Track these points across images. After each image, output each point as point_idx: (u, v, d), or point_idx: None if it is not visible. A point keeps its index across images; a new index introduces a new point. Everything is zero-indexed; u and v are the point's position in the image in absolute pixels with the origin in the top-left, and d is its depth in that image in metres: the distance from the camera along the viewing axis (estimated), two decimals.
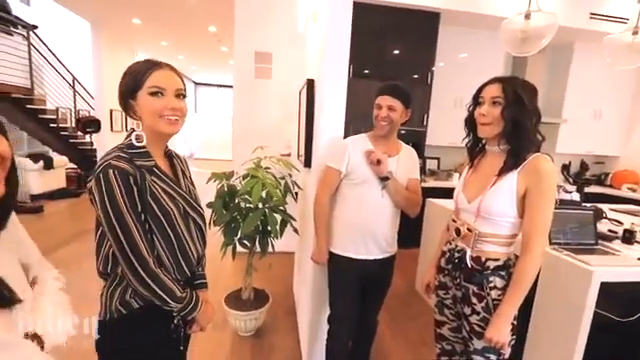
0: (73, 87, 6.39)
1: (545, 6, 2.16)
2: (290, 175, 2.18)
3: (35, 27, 5.60)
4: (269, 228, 1.89)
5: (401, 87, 1.41)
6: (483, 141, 1.20)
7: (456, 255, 1.19)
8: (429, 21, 3.46)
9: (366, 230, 1.42)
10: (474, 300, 1.13)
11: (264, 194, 1.90)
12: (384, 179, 1.38)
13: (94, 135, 6.22)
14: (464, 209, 1.18)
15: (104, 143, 6.43)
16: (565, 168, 2.35)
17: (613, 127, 4.28)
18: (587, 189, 3.77)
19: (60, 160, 5.77)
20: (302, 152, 1.97)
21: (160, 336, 0.93)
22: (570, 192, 1.89)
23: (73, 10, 5.53)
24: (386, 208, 1.43)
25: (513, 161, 1.05)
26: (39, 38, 5.64)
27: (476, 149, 1.23)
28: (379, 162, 1.35)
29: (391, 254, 1.51)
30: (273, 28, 3.32)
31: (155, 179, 0.88)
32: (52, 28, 6.42)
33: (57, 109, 6.11)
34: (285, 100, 3.35)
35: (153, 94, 0.85)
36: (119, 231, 0.80)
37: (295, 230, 2.05)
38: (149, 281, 0.83)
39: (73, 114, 6.44)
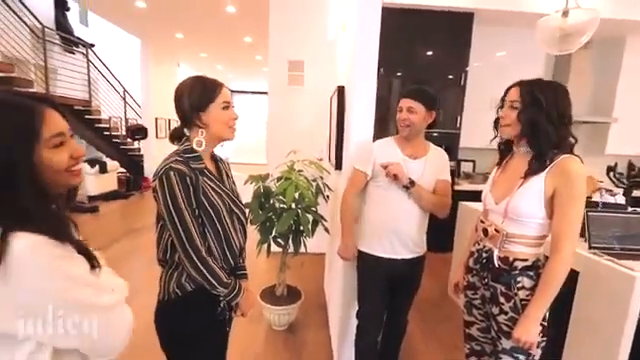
0: (124, 98, 6.99)
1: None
2: (321, 177, 2.26)
3: (92, 45, 6.22)
4: (302, 228, 1.99)
5: (423, 90, 1.45)
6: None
7: (484, 255, 1.21)
8: (463, 21, 3.42)
9: (392, 230, 1.46)
10: (502, 300, 1.13)
11: (297, 195, 2.00)
12: (406, 187, 1.42)
13: (142, 141, 6.75)
14: (492, 210, 1.20)
15: (150, 149, 6.96)
16: (610, 170, 2.22)
17: None
18: None
19: (112, 165, 6.33)
20: (333, 155, 2.06)
21: (209, 317, 1.05)
22: (615, 195, 1.79)
23: (125, 28, 6.08)
24: (412, 210, 1.46)
25: (537, 163, 1.06)
26: (95, 55, 6.26)
27: (505, 149, 1.24)
28: (395, 177, 1.39)
29: (419, 254, 1.53)
30: (305, 37, 3.46)
31: (206, 179, 1.02)
32: (105, 45, 7.08)
33: (110, 118, 6.72)
34: (316, 106, 3.46)
35: (225, 108, 1.03)
36: (178, 224, 0.94)
37: (326, 229, 2.13)
38: (201, 267, 0.96)
39: (123, 122, 7.05)
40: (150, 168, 7.02)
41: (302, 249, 2.18)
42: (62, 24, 5.76)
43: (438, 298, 2.85)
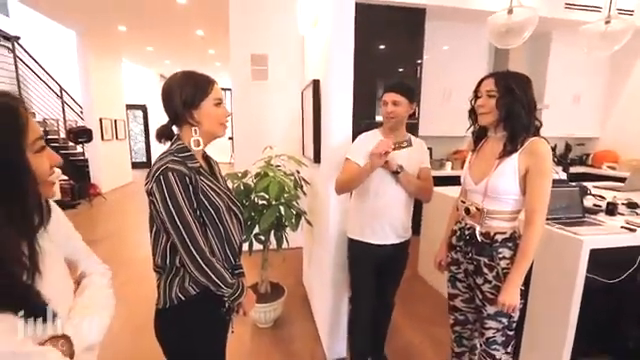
0: (61, 97, 6.31)
1: None
2: (298, 172, 2.28)
3: (17, 38, 5.51)
4: (286, 223, 2.00)
5: (405, 83, 1.54)
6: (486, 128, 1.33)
7: (467, 232, 1.33)
8: (416, 17, 3.61)
9: (383, 216, 1.54)
10: (485, 270, 1.26)
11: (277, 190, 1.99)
12: (395, 173, 1.50)
13: (86, 145, 6.16)
14: (472, 190, 1.32)
15: (97, 153, 6.38)
16: (552, 150, 2.55)
17: (591, 110, 4.54)
18: (571, 169, 4.02)
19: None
20: (310, 149, 2.08)
21: (216, 319, 1.04)
22: (557, 172, 2.05)
23: (57, 20, 5.45)
24: (400, 195, 1.54)
25: (510, 145, 1.19)
26: (23, 49, 5.56)
27: (480, 136, 1.36)
28: (386, 162, 1.45)
29: (406, 239, 1.63)
30: (268, 30, 3.40)
31: (203, 178, 0.99)
32: (35, 37, 6.30)
33: (44, 120, 6.04)
34: (284, 100, 3.44)
35: (217, 104, 1.00)
36: (180, 226, 0.91)
37: (308, 222, 2.16)
38: (206, 268, 0.94)
39: (62, 125, 6.37)
40: (97, 174, 6.44)
41: (284, 244, 2.18)
42: None
43: (410, 277, 3.03)
